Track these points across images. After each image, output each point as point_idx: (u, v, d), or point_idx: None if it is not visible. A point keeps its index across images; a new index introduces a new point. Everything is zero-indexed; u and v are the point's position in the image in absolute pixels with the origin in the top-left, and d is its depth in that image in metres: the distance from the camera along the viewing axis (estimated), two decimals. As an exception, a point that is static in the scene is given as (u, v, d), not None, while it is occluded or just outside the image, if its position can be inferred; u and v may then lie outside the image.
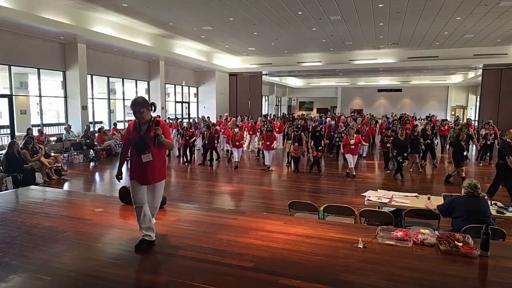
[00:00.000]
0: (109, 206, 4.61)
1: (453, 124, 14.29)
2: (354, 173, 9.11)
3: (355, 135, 9.26)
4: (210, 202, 7.00)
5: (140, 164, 3.22)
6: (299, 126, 11.09)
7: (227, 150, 12.21)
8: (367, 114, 21.55)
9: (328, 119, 15.46)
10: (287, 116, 22.09)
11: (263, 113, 24.09)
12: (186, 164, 11.02)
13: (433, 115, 20.78)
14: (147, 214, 3.26)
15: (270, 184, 8.68)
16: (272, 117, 19.76)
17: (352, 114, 23.94)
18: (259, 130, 13.66)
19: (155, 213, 3.49)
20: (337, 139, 11.48)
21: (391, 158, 9.35)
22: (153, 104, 3.29)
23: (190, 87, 20.71)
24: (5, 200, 4.85)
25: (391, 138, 9.43)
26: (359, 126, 12.40)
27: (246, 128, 13.91)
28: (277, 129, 12.88)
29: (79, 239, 3.49)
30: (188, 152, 11.21)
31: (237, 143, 10.51)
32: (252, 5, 10.44)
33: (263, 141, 10.18)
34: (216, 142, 11.38)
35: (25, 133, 9.85)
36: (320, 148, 9.54)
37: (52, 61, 11.91)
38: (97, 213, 4.29)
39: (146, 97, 16.96)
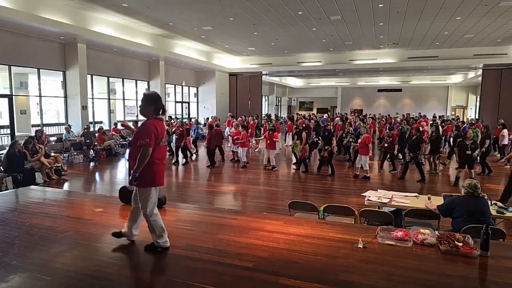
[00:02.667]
0: (109, 206, 4.60)
1: (467, 124, 14.38)
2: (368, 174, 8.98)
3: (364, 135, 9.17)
4: (210, 202, 7.00)
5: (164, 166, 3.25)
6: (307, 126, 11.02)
7: (233, 152, 11.80)
8: (373, 114, 21.51)
9: (336, 119, 15.36)
10: (291, 116, 22.08)
11: (263, 113, 24.09)
12: (175, 164, 10.88)
13: (442, 116, 20.76)
14: None
15: (270, 184, 8.67)
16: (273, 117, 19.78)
17: (364, 115, 23.70)
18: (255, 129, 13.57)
19: None
20: (351, 140, 10.93)
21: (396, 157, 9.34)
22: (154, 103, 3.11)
23: (190, 87, 20.71)
24: (5, 200, 4.85)
25: (391, 139, 9.46)
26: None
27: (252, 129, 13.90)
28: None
29: (79, 239, 3.48)
30: (179, 152, 11.06)
31: (241, 142, 10.49)
32: (252, 5, 10.44)
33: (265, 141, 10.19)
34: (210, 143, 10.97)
35: (33, 134, 9.93)
36: (326, 148, 9.30)
37: (52, 61, 11.91)
38: (97, 213, 4.29)
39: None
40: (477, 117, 20.19)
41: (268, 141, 9.98)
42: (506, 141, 11.52)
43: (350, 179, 8.94)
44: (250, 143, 11.82)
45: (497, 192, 7.47)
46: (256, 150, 13.69)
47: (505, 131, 11.55)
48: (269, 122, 13.56)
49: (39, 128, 10.37)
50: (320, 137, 10.23)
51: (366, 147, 8.80)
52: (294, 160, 10.96)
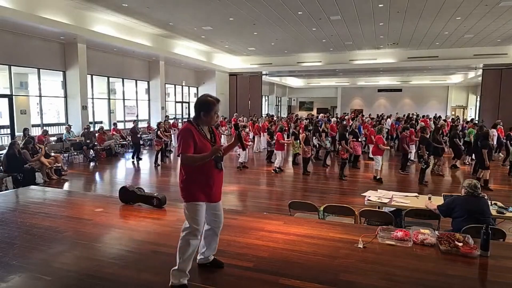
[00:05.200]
0: (109, 206, 4.60)
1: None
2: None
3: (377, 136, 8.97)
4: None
5: (217, 177, 2.71)
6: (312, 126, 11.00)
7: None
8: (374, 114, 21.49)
9: (333, 119, 15.33)
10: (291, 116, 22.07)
11: (263, 113, 24.08)
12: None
13: (440, 116, 20.73)
14: None
15: (270, 184, 8.66)
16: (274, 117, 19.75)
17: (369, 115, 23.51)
18: (266, 130, 13.43)
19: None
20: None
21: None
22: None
23: (190, 87, 20.71)
24: (5, 200, 4.85)
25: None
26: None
27: (251, 129, 13.87)
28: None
29: (79, 239, 3.49)
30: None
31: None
32: (252, 5, 10.44)
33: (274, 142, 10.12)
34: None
35: (23, 135, 9.62)
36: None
37: (52, 61, 11.91)
38: (97, 213, 4.29)
39: (146, 97, 17.09)
40: (477, 117, 20.18)
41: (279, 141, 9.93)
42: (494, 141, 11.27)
43: (350, 179, 8.93)
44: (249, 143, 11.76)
45: (498, 192, 7.48)
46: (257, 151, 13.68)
47: (494, 131, 11.31)
48: (275, 122, 13.51)
49: (28, 136, 9.24)
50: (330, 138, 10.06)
51: (376, 147, 8.73)
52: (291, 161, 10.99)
